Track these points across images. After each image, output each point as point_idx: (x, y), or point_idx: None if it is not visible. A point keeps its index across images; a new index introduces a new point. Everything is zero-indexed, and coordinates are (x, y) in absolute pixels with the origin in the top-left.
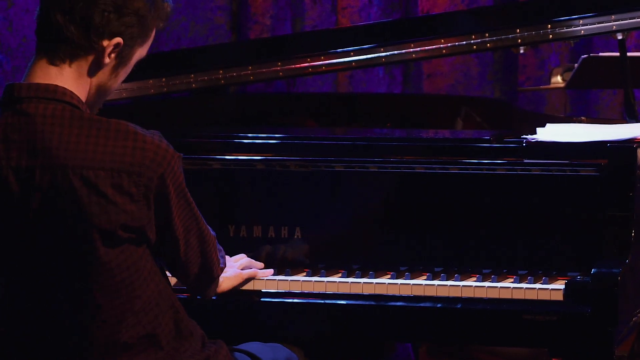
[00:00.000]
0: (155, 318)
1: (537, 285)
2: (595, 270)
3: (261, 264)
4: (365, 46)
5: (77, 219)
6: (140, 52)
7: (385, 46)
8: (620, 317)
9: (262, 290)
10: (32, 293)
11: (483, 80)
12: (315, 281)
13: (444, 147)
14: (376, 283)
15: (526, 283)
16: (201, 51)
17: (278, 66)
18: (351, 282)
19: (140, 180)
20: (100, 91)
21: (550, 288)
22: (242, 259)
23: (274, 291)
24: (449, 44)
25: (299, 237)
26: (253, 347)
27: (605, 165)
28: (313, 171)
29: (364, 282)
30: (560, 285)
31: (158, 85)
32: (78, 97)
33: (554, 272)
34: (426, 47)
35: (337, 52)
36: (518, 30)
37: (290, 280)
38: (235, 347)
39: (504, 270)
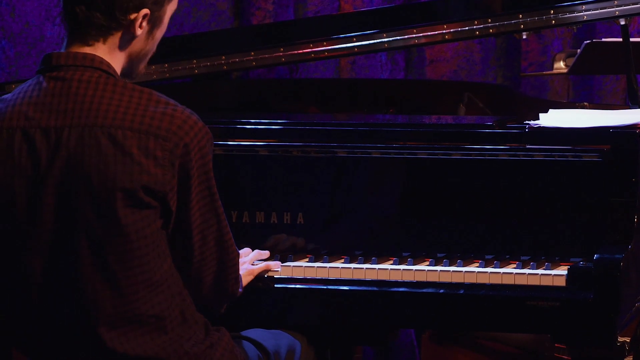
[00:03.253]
0: (165, 300)
1: (540, 271)
2: (597, 256)
3: (267, 253)
4: (367, 32)
5: (101, 176)
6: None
7: (388, 32)
8: (623, 303)
9: (265, 277)
10: (48, 254)
11: (486, 66)
12: (317, 267)
13: (447, 133)
14: (379, 269)
15: (529, 269)
16: (203, 37)
17: (280, 52)
18: (354, 268)
19: (166, 145)
20: (139, 56)
21: (552, 274)
22: (250, 254)
23: (276, 277)
24: (452, 30)
25: (302, 222)
26: (255, 333)
27: (608, 151)
28: (316, 157)
29: (366, 268)
30: (562, 271)
31: (160, 71)
32: (114, 68)
33: (557, 258)
34: (429, 33)
35: (340, 37)
36: (521, 15)
37: (293, 266)
38: (237, 333)
39: (507, 256)
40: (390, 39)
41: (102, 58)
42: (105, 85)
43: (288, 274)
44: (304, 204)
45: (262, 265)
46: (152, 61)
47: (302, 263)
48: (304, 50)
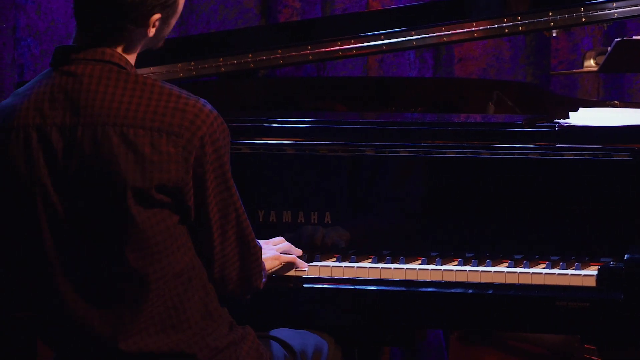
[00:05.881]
0: (185, 292)
1: (570, 271)
2: (628, 256)
3: (300, 251)
4: (396, 29)
5: (113, 176)
6: (174, 21)
7: (416, 29)
8: None
9: (291, 276)
10: (69, 254)
11: (515, 64)
12: (345, 267)
13: (476, 131)
14: (407, 269)
15: (558, 269)
16: (230, 35)
17: (308, 50)
18: (381, 268)
19: (178, 142)
20: (154, 42)
21: (582, 274)
22: (281, 243)
23: (304, 277)
24: (481, 28)
25: (329, 222)
26: (282, 333)
27: (639, 150)
28: (343, 156)
29: (394, 268)
30: (592, 271)
31: (187, 69)
32: (126, 59)
33: (587, 258)
34: (458, 31)
35: (368, 35)
36: (551, 13)
37: (320, 265)
38: (264, 333)
39: (536, 256)
40: (419, 36)
41: (113, 50)
42: (116, 80)
43: (315, 273)
44: (331, 203)
45: (290, 256)
46: (178, 59)
47: (330, 263)
48: (332, 48)
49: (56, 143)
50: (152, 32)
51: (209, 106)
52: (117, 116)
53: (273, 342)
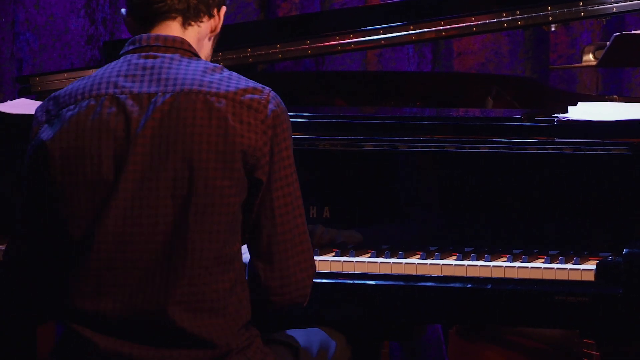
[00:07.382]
0: (229, 280)
1: (569, 266)
2: (627, 250)
3: None
4: (394, 24)
5: (195, 137)
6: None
7: (415, 24)
8: None
9: None
10: (131, 213)
11: (514, 58)
12: (344, 261)
13: (475, 126)
14: (405, 263)
15: (557, 263)
16: (229, 29)
17: (307, 44)
18: (380, 262)
19: (258, 115)
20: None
21: (581, 268)
22: None
23: None
24: (480, 22)
25: (328, 217)
26: (287, 333)
27: (638, 144)
28: (342, 150)
29: (393, 262)
30: (591, 265)
31: None
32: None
33: (586, 253)
34: (456, 25)
35: (366, 30)
36: (549, 7)
37: (319, 260)
38: (271, 334)
39: (535, 251)
40: (418, 31)
41: (188, 42)
42: (197, 63)
43: None
44: (330, 198)
45: None
46: None
47: (328, 257)
48: (331, 43)
49: (131, 108)
50: (217, 30)
51: (279, 98)
52: (201, 85)
53: (277, 342)
